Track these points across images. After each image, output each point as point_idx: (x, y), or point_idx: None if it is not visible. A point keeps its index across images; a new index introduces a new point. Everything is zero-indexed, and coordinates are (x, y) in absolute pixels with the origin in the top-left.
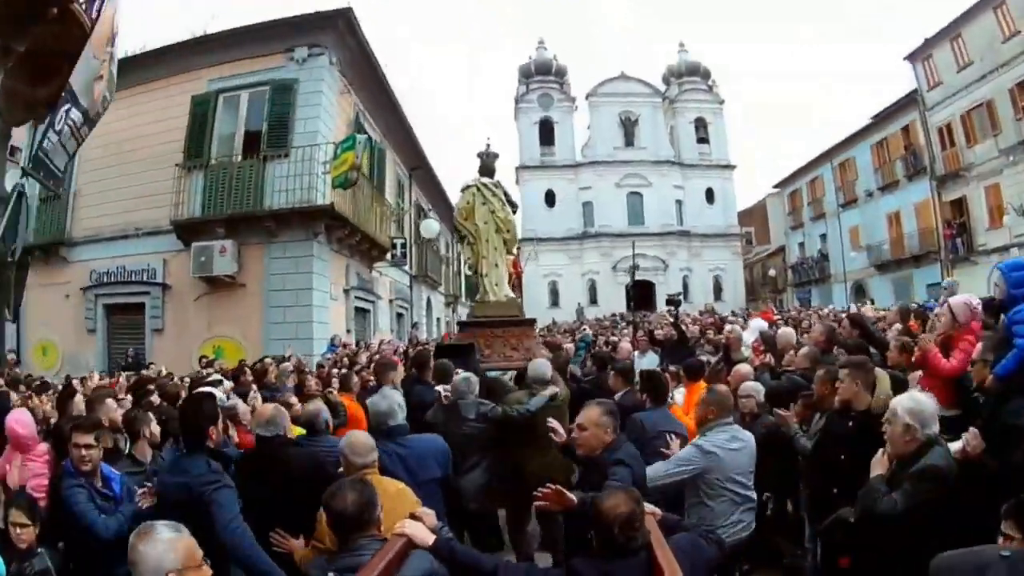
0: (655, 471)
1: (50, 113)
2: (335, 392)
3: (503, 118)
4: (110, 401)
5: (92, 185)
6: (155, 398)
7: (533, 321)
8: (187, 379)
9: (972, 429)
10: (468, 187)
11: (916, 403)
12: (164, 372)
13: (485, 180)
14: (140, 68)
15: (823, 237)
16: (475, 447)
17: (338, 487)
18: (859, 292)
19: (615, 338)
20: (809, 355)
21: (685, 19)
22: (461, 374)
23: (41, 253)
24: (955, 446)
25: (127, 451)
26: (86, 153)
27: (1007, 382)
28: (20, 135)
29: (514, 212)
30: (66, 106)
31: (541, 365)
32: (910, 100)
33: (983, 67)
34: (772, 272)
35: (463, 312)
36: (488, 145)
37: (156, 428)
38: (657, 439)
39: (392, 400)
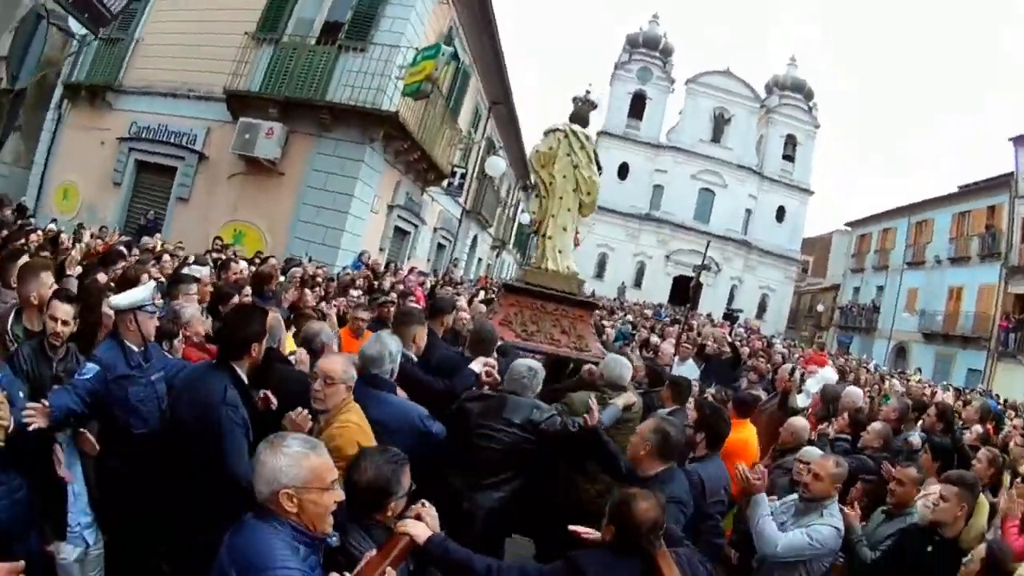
0: (791, 545)
1: None
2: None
3: (599, 81)
4: (45, 275)
5: (156, 36)
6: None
7: (595, 305)
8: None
9: None
10: (555, 130)
11: None
12: (172, 246)
13: (576, 128)
14: None
15: (880, 289)
16: (511, 460)
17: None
18: (900, 354)
19: (655, 339)
20: (882, 434)
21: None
22: (523, 361)
23: (87, 95)
24: None
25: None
26: (158, 3)
27: None
28: None
29: (600, 174)
30: None
31: (619, 364)
32: (1003, 182)
33: None
34: (820, 307)
35: (508, 260)
36: (588, 92)
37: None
38: (718, 504)
39: (385, 346)
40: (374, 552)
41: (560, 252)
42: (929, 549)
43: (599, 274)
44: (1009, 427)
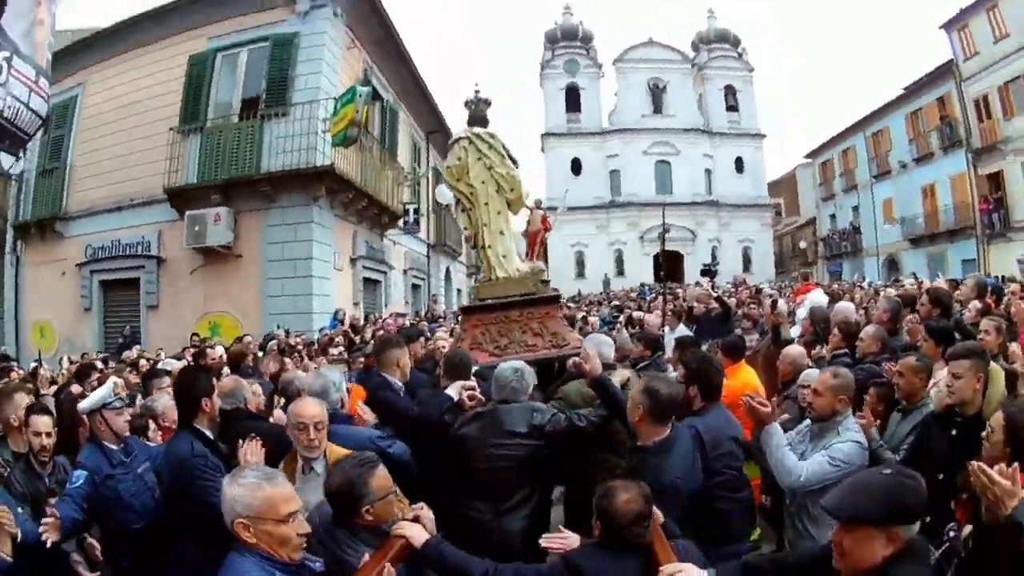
0: (814, 471)
1: None
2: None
3: (529, 85)
4: (20, 397)
5: (87, 156)
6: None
7: (557, 297)
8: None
9: None
10: (457, 140)
11: None
12: (146, 353)
13: (478, 130)
14: (137, 30)
15: (855, 209)
16: (527, 474)
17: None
18: (892, 266)
19: (639, 313)
20: (877, 336)
21: None
22: (506, 364)
23: (37, 230)
24: None
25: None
26: (81, 123)
27: None
28: None
29: (516, 167)
30: (4, 54)
31: (596, 343)
32: (946, 70)
33: (1020, 39)
34: (802, 244)
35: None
36: (477, 91)
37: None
38: (725, 456)
39: (327, 379)
40: (367, 556)
41: (505, 257)
42: (953, 433)
43: (580, 273)
44: (1008, 294)
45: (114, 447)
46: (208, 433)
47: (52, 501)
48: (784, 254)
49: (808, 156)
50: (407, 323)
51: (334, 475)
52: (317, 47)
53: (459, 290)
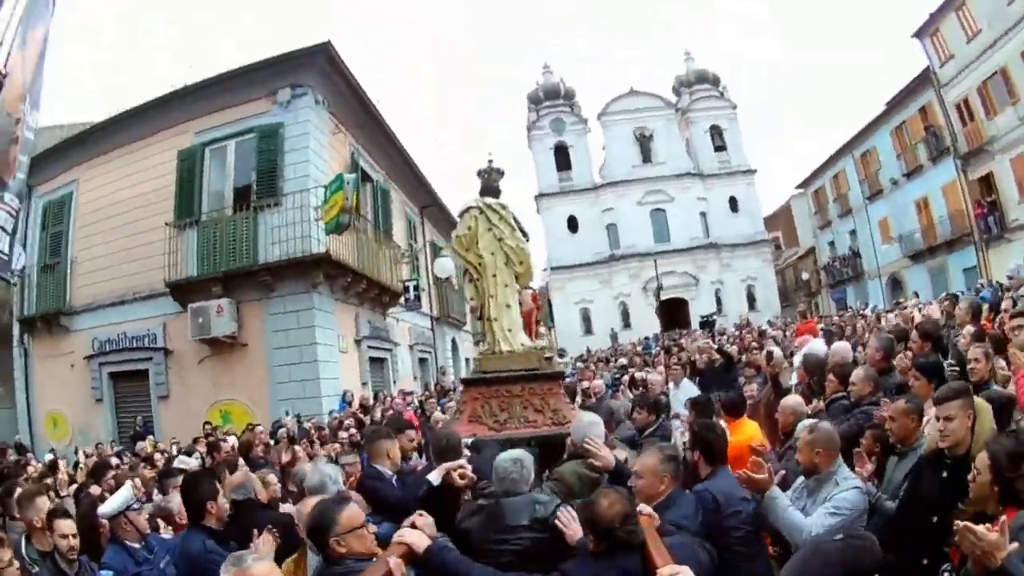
0: (822, 526)
1: None
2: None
3: (518, 149)
4: (41, 500)
5: (88, 252)
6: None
7: (561, 374)
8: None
9: None
10: (468, 209)
11: None
12: (160, 444)
13: (489, 200)
14: (123, 128)
15: (852, 233)
16: (529, 563)
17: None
18: (895, 286)
19: (640, 374)
20: (868, 378)
21: (686, 25)
22: (505, 455)
23: (43, 324)
24: None
25: None
26: (79, 219)
27: None
28: None
29: (527, 240)
30: None
31: (582, 425)
32: (924, 79)
33: (993, 33)
34: (805, 275)
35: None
36: (490, 161)
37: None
38: (739, 514)
39: (323, 473)
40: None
41: (510, 331)
42: (944, 475)
43: (587, 329)
44: (1004, 307)
45: (136, 545)
46: (217, 528)
47: None
48: (788, 287)
49: (800, 186)
50: (416, 400)
51: (310, 513)
52: (302, 135)
53: (467, 359)
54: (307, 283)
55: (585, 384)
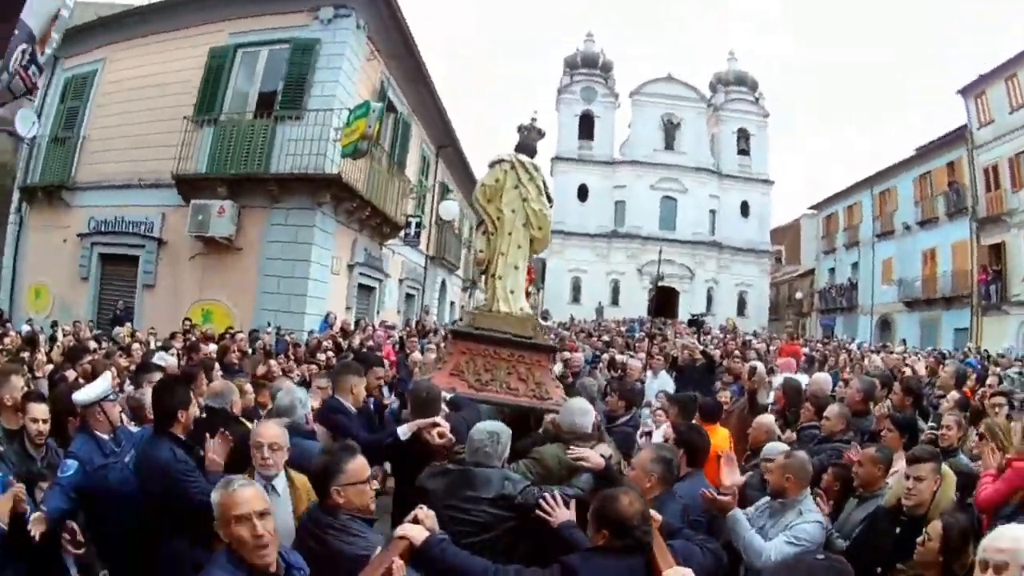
0: (780, 552)
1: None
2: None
3: (544, 108)
4: (16, 379)
5: (101, 131)
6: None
7: (553, 349)
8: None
9: None
10: (500, 161)
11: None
12: (138, 333)
13: (523, 158)
14: (160, 16)
15: (855, 266)
16: (496, 545)
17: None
18: (884, 327)
19: (621, 357)
20: (843, 416)
21: (734, 25)
22: (483, 425)
23: (44, 196)
24: None
25: None
26: (98, 98)
27: None
28: None
29: (550, 206)
30: (22, 46)
31: (572, 413)
32: (959, 136)
33: None
34: (799, 295)
35: (481, 299)
36: (534, 119)
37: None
38: (698, 524)
39: (294, 395)
40: (379, 550)
41: (512, 293)
42: (898, 531)
43: (576, 298)
44: (989, 383)
45: (106, 437)
46: (183, 438)
47: (43, 486)
48: (780, 302)
49: (813, 207)
50: (397, 335)
51: (318, 457)
52: (337, 55)
53: (452, 303)
54: (313, 200)
55: (567, 355)
